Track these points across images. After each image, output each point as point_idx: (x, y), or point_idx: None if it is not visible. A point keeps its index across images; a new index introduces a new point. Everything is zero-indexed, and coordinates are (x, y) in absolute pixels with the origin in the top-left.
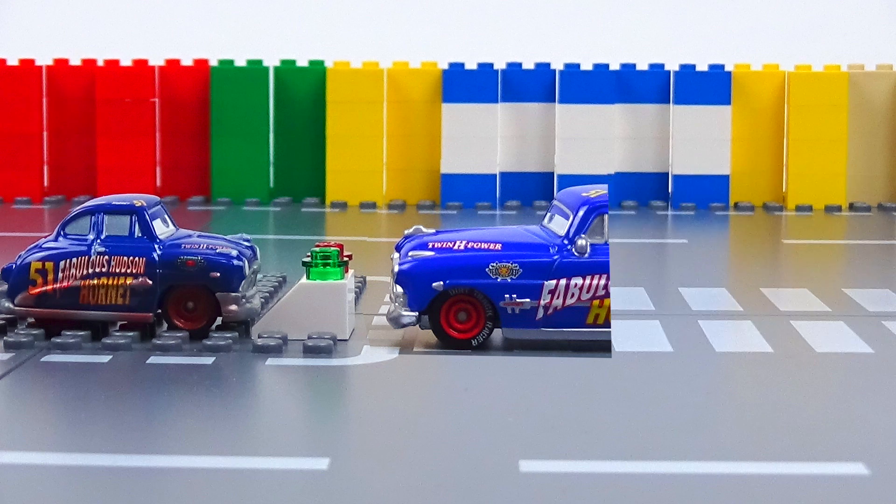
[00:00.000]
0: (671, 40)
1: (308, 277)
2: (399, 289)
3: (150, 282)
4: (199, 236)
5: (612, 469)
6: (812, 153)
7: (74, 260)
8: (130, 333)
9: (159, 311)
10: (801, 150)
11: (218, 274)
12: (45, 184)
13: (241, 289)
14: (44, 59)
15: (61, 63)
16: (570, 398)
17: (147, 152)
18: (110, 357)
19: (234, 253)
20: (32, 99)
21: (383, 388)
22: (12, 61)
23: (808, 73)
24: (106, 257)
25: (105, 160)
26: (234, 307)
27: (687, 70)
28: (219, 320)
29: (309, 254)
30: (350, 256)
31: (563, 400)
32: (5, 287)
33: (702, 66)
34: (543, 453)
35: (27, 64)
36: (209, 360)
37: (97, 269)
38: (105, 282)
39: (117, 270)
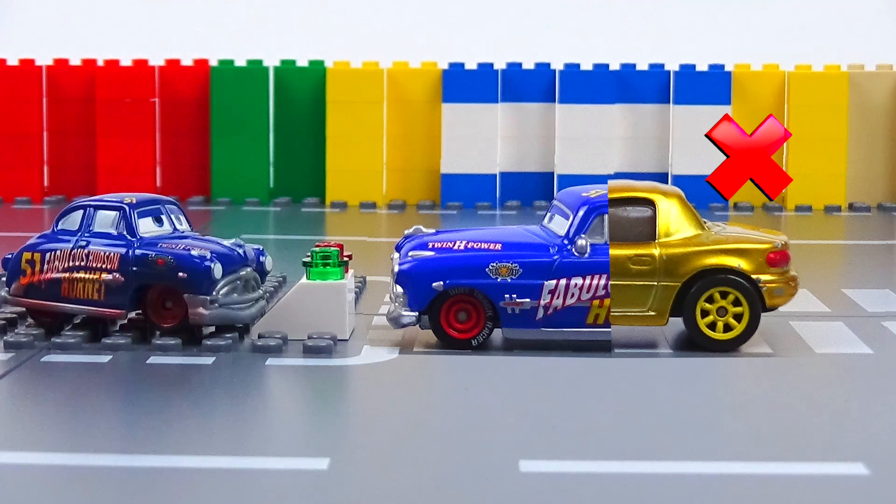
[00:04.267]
0: (671, 40)
1: (308, 277)
2: (399, 289)
3: (122, 278)
4: (185, 237)
5: (612, 469)
6: (812, 153)
7: (59, 252)
8: (130, 333)
9: (139, 309)
10: (801, 150)
11: (185, 275)
12: (45, 184)
13: (214, 292)
14: (44, 59)
15: (61, 63)
16: (570, 398)
17: (147, 152)
18: (110, 357)
19: (207, 255)
20: (32, 99)
21: (383, 388)
22: (12, 61)
23: (808, 73)
24: (85, 251)
25: (105, 160)
26: (200, 310)
27: (687, 70)
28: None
29: (309, 254)
30: (350, 256)
31: (563, 400)
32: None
33: (702, 66)
34: (543, 453)
35: (27, 64)
36: (209, 360)
37: (77, 263)
38: (83, 276)
39: (94, 265)
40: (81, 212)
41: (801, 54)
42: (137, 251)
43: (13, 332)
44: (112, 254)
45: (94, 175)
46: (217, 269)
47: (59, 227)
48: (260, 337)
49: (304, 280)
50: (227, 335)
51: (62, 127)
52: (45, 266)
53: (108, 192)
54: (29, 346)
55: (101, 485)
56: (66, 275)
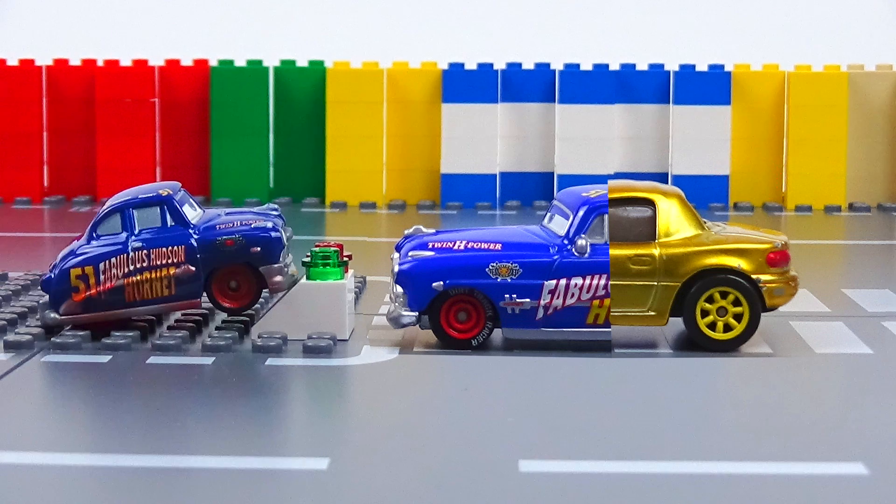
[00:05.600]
0: (671, 40)
1: (308, 277)
2: (399, 289)
3: (193, 268)
4: (227, 214)
5: (612, 469)
6: (812, 153)
7: (113, 260)
8: (130, 333)
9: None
10: (801, 150)
11: (259, 248)
12: (45, 184)
13: (280, 259)
14: (44, 59)
15: (61, 63)
16: (570, 398)
17: (147, 152)
18: (110, 357)
19: (270, 225)
20: (32, 99)
21: (383, 388)
22: (12, 61)
23: (808, 73)
24: (145, 251)
25: (105, 160)
26: (277, 278)
27: (687, 70)
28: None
29: (309, 254)
30: (350, 256)
31: (563, 400)
32: (46, 298)
33: (702, 66)
34: (543, 453)
35: (27, 64)
36: (209, 360)
37: (138, 265)
38: (148, 276)
39: (158, 262)
40: (119, 214)
41: (801, 54)
42: (201, 238)
43: (13, 332)
44: (175, 246)
45: (94, 175)
46: (283, 236)
47: (98, 234)
48: (260, 337)
49: (304, 280)
50: (228, 335)
51: (62, 127)
52: (101, 276)
53: (109, 192)
54: (29, 346)
55: (100, 484)
56: (129, 279)
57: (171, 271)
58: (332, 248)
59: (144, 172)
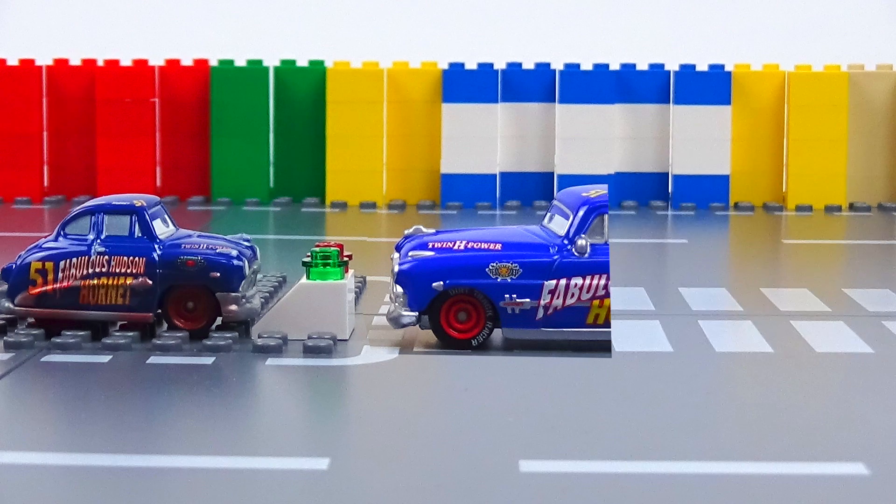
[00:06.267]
0: (671, 40)
1: (308, 277)
2: (399, 289)
3: (150, 282)
4: (199, 236)
5: (612, 469)
6: (812, 153)
7: (74, 260)
8: (130, 333)
9: (159, 311)
10: (801, 150)
11: (218, 274)
12: (45, 184)
13: (241, 289)
14: (44, 59)
15: (61, 63)
16: (570, 398)
17: (147, 152)
18: (110, 357)
19: (234, 253)
20: (32, 99)
21: (383, 388)
22: (12, 61)
23: (808, 73)
24: (106, 257)
25: (105, 160)
26: (234, 307)
27: (687, 70)
28: (219, 320)
29: (309, 254)
30: (350, 256)
31: (563, 400)
32: (5, 287)
33: (702, 66)
34: (543, 453)
35: (27, 64)
36: (209, 360)
37: (97, 269)
38: (105, 282)
39: (117, 270)
40: (90, 217)
41: (801, 54)
42: (164, 253)
43: (13, 332)
44: (137, 257)
45: (94, 175)
46: (246, 267)
47: (66, 233)
48: (260, 337)
49: (304, 280)
50: (228, 335)
51: (62, 127)
52: (60, 274)
53: (108, 192)
54: (29, 346)
55: (100, 485)
56: (86, 282)
57: (128, 281)
58: (332, 248)
59: (144, 172)
